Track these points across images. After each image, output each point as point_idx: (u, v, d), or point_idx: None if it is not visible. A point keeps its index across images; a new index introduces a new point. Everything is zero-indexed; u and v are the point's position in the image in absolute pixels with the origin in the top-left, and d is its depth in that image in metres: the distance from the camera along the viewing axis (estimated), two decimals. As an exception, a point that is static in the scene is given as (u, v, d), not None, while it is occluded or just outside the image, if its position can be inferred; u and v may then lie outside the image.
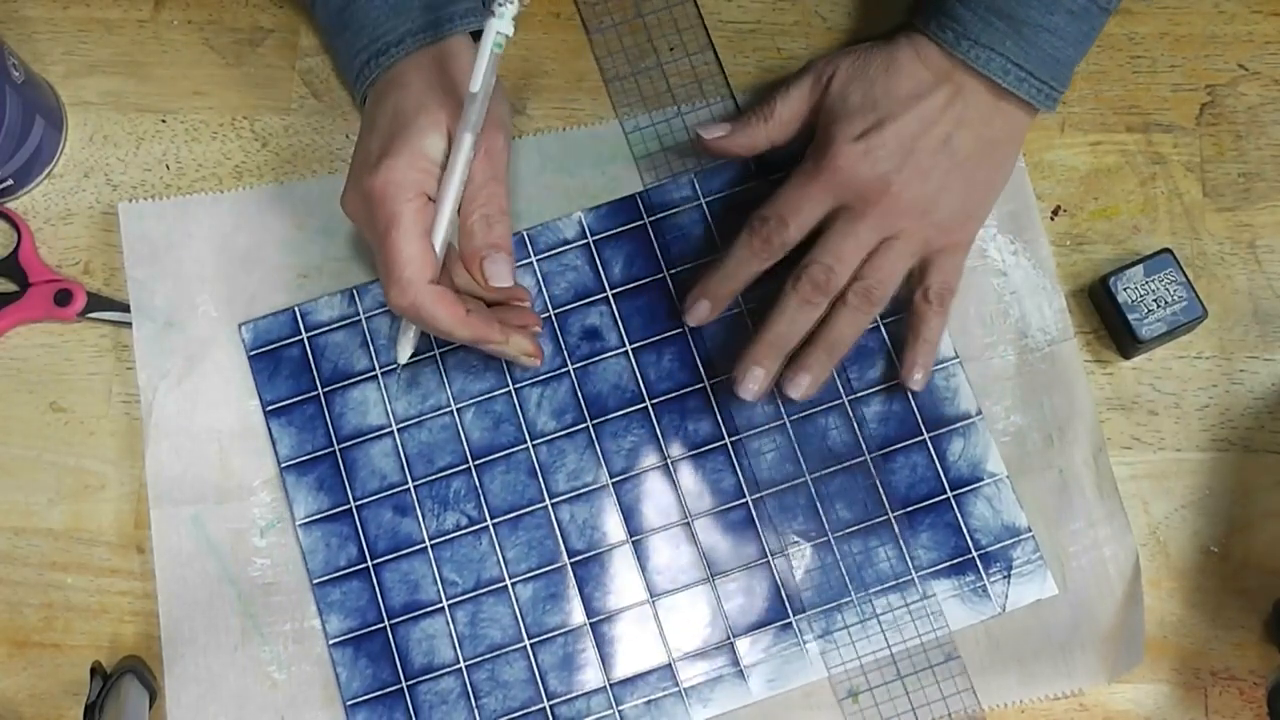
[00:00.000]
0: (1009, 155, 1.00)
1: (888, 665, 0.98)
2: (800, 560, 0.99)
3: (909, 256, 0.97)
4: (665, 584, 0.99)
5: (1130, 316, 0.99)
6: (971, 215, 0.99)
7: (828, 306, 0.97)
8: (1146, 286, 1.00)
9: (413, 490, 1.01)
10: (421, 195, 0.90)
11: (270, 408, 1.02)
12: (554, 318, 1.03)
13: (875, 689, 0.98)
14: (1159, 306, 0.99)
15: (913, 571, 0.99)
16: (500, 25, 0.89)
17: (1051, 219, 1.05)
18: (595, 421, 1.02)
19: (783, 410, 1.01)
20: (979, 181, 0.98)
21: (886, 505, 1.00)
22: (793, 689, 0.98)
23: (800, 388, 0.97)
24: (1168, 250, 1.00)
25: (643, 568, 1.00)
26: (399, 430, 1.02)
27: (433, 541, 1.00)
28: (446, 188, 0.91)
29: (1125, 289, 1.00)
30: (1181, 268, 1.00)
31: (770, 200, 0.98)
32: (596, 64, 1.08)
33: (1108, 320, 1.02)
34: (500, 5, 0.88)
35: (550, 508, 1.00)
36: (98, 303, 1.04)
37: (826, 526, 1.00)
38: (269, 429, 1.02)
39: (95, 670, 0.96)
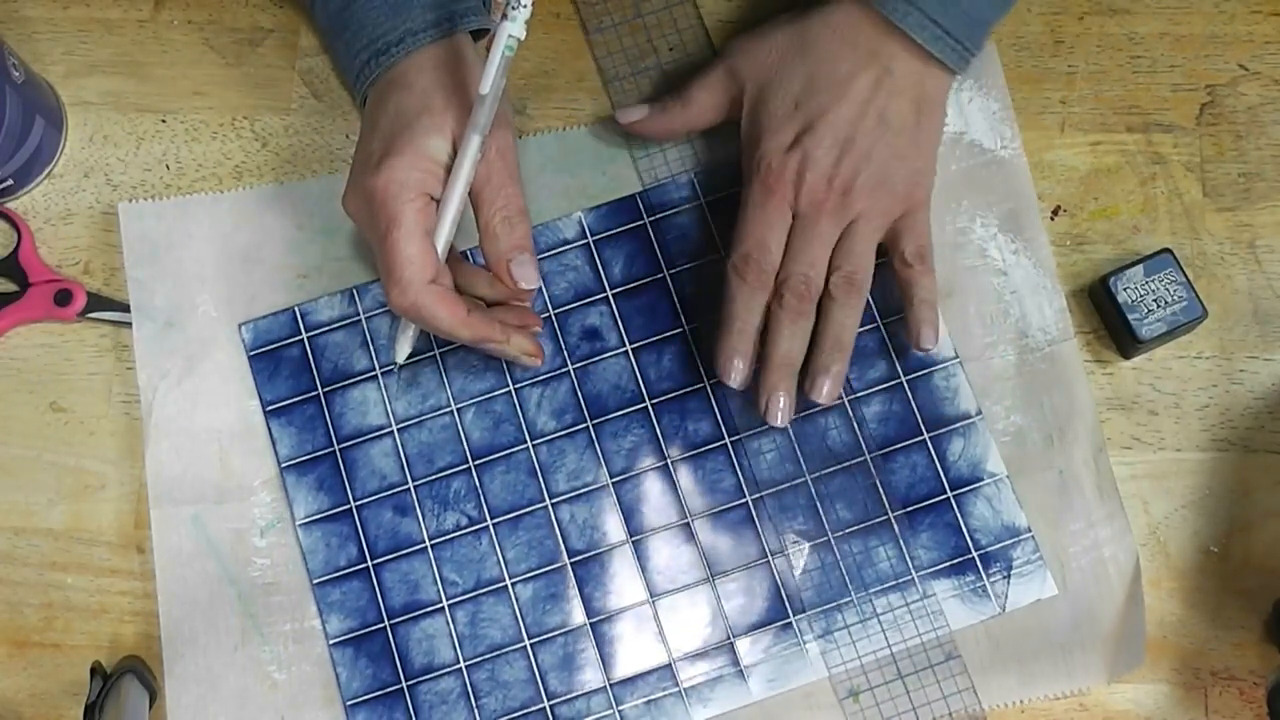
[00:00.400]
0: (941, 110, 0.99)
1: (888, 665, 0.98)
2: (800, 560, 0.99)
3: (875, 233, 0.97)
4: (665, 584, 0.99)
5: (1130, 316, 0.99)
6: (922, 173, 0.99)
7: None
8: (1146, 286, 0.99)
9: (413, 490, 1.00)
10: (423, 195, 0.90)
11: (270, 408, 1.02)
12: (554, 317, 1.03)
13: (875, 689, 0.98)
14: (1159, 306, 0.99)
15: (913, 571, 0.98)
16: (513, 29, 0.88)
17: (1051, 219, 1.05)
18: (595, 421, 1.01)
19: (783, 410, 1.01)
20: (922, 141, 0.98)
21: (886, 505, 0.99)
22: (793, 689, 0.97)
23: (824, 391, 0.96)
24: (1168, 250, 1.00)
25: (643, 568, 0.99)
26: (399, 430, 1.01)
27: (433, 541, 1.00)
28: (453, 189, 0.90)
29: (1125, 289, 0.99)
30: (1181, 268, 0.99)
31: (739, 237, 0.98)
32: (595, 64, 1.08)
33: (1108, 320, 1.02)
34: (513, 9, 0.88)
35: (550, 508, 1.00)
36: (98, 303, 1.04)
37: (826, 526, 0.99)
38: (269, 429, 1.02)
39: (95, 670, 0.96)
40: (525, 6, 0.88)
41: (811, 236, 0.96)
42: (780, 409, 0.96)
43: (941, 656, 0.98)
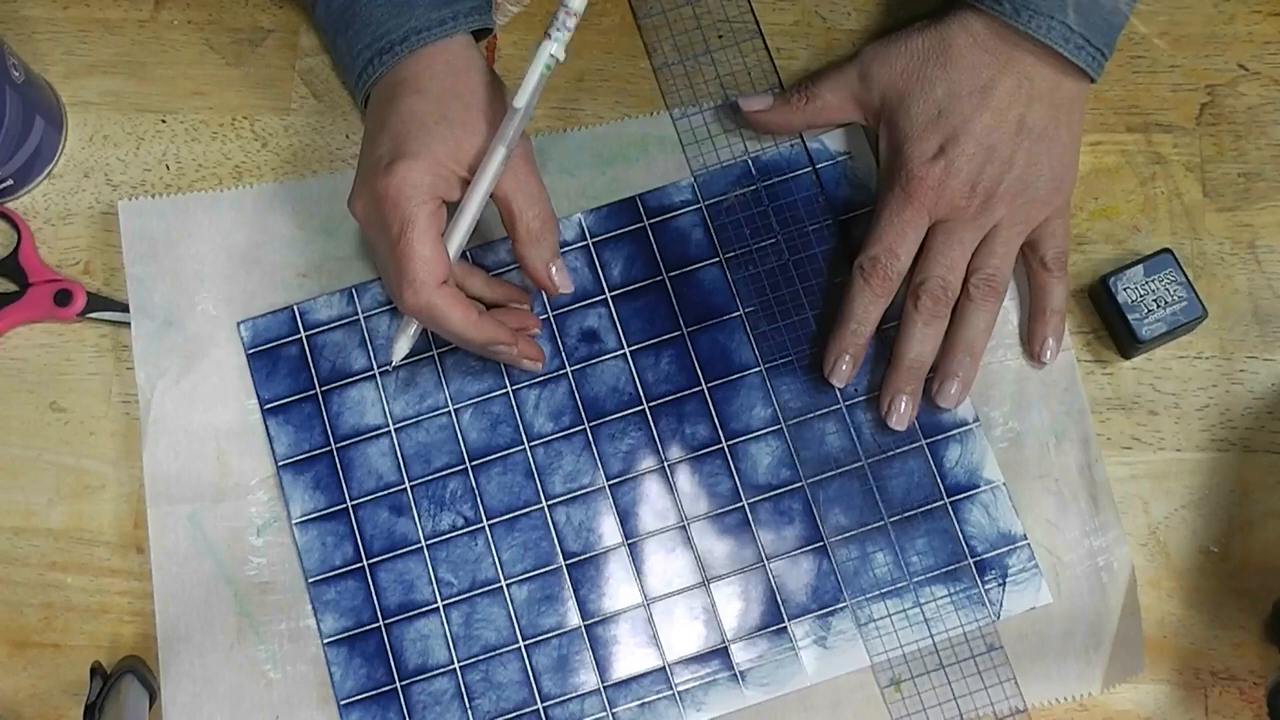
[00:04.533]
0: (1079, 115, 0.96)
1: (883, 670, 0.94)
2: (795, 565, 0.95)
3: (1017, 238, 0.95)
4: (660, 587, 0.95)
5: (1130, 316, 0.95)
6: (1063, 178, 0.95)
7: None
8: (1146, 286, 0.95)
9: (409, 490, 0.97)
10: (436, 199, 0.87)
11: (268, 406, 0.98)
12: (552, 319, 0.99)
13: (870, 693, 0.94)
14: (1159, 306, 0.95)
15: (908, 578, 0.94)
16: (554, 49, 0.86)
17: None
18: (593, 423, 0.97)
19: (780, 415, 0.97)
20: (1061, 145, 0.94)
21: (883, 511, 0.95)
22: (787, 693, 0.94)
23: (953, 396, 0.95)
24: (1168, 250, 0.96)
25: (638, 570, 0.95)
26: (396, 430, 0.97)
27: (428, 542, 0.96)
28: (473, 195, 0.87)
29: (1125, 289, 0.95)
30: (1181, 268, 0.96)
31: (871, 238, 0.95)
32: (645, 50, 1.04)
33: (1108, 320, 0.98)
34: (556, 30, 0.85)
35: (546, 509, 0.96)
36: (98, 303, 1.00)
37: (822, 532, 0.95)
38: (266, 428, 0.98)
39: (95, 670, 0.92)
40: (568, 30, 0.86)
41: (953, 241, 0.94)
42: (902, 412, 0.95)
43: (936, 664, 0.94)
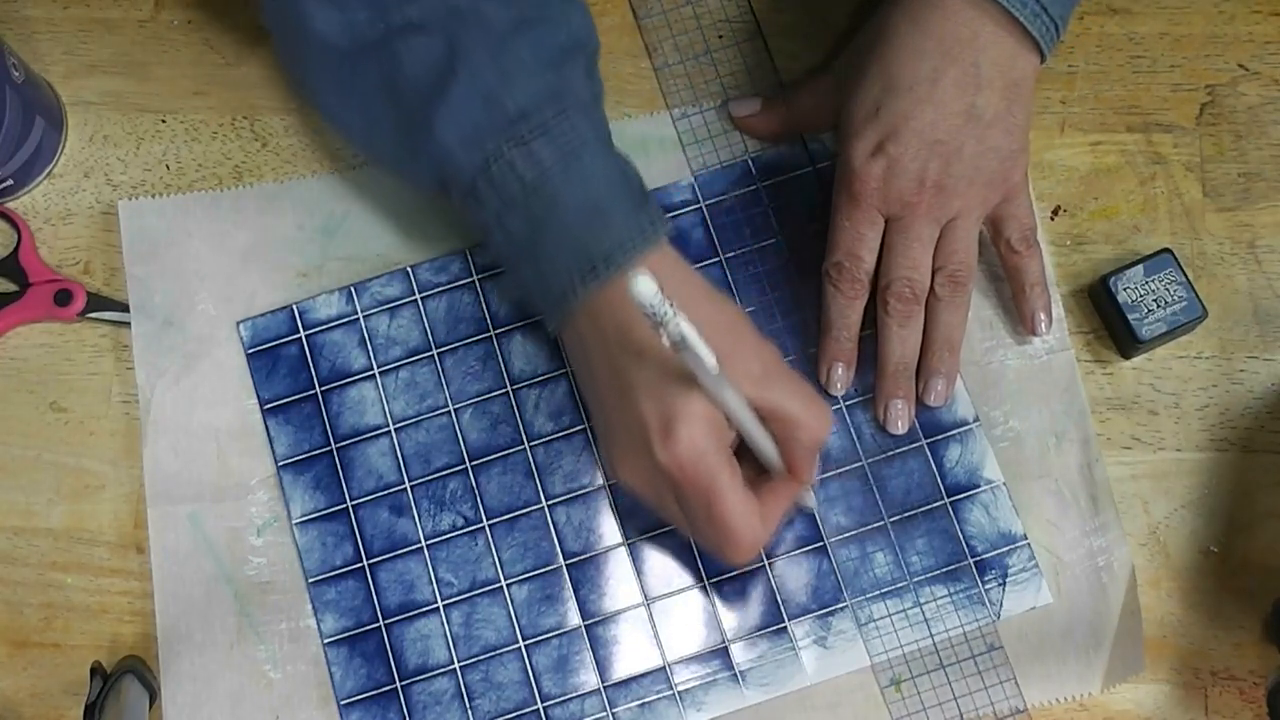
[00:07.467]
0: (1031, 91, 0.92)
1: (883, 670, 0.93)
2: (795, 565, 0.94)
3: (974, 224, 0.93)
4: (660, 587, 0.94)
5: (1130, 316, 0.94)
6: (1016, 155, 0.92)
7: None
8: (1146, 286, 0.95)
9: (409, 490, 0.96)
10: (725, 450, 0.83)
11: (268, 406, 0.97)
12: None
13: (869, 693, 0.93)
14: (1159, 306, 0.94)
15: (908, 578, 0.94)
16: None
17: (1051, 219, 1.00)
18: (593, 423, 0.96)
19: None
20: (1015, 127, 0.91)
21: (883, 511, 0.95)
22: (787, 693, 0.93)
23: (940, 394, 0.94)
24: (1168, 250, 0.95)
25: (638, 570, 0.94)
26: (396, 430, 0.97)
27: (428, 542, 0.95)
28: (752, 438, 0.83)
29: (1125, 289, 0.95)
30: (1181, 268, 0.95)
31: (830, 244, 0.93)
32: (645, 51, 1.04)
33: (1108, 320, 0.97)
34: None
35: (547, 509, 0.95)
36: (98, 303, 0.99)
37: (822, 532, 0.94)
38: (266, 427, 0.97)
39: (95, 670, 0.92)
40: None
41: (911, 239, 0.91)
42: (900, 416, 0.94)
43: (936, 664, 0.93)
